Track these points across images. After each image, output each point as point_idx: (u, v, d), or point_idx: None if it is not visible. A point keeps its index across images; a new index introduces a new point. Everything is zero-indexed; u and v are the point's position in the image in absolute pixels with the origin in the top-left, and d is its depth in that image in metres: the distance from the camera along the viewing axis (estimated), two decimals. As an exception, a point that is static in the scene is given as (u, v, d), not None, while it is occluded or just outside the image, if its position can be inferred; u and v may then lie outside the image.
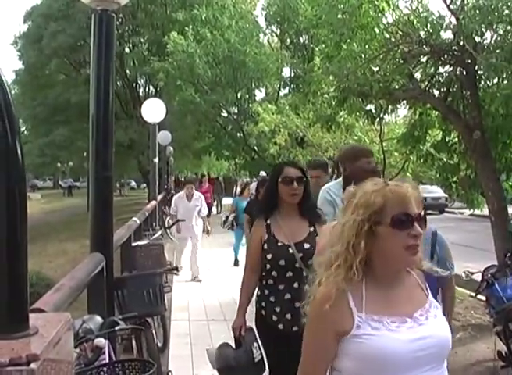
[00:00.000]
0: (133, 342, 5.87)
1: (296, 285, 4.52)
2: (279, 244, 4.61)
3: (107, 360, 3.46)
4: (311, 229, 4.74)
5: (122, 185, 75.65)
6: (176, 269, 6.73)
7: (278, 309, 4.58)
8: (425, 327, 2.44)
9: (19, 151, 1.82)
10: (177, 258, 13.84)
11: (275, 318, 4.59)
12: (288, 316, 4.52)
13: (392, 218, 2.38)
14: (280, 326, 4.55)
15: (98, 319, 3.65)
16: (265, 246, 4.65)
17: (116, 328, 3.55)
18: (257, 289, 4.83)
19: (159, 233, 10.85)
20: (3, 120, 1.76)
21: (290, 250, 4.57)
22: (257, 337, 4.71)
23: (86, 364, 3.16)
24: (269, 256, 4.60)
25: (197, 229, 13.80)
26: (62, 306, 3.16)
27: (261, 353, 4.64)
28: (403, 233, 2.38)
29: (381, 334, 2.35)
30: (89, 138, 4.82)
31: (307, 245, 4.61)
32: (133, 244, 8.24)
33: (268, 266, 4.63)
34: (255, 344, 4.64)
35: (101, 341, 3.27)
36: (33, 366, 1.65)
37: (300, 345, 4.36)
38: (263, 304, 4.69)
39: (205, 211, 14.22)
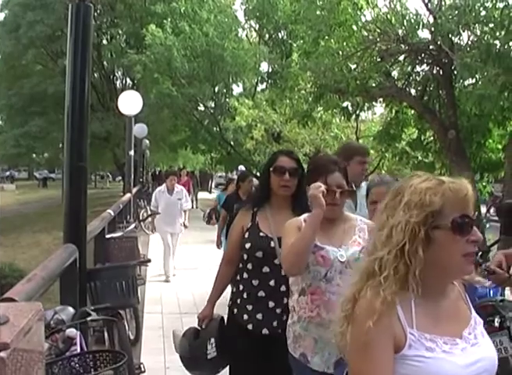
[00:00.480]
0: (105, 334, 5.86)
1: (272, 283, 4.17)
2: (261, 234, 4.25)
3: (78, 351, 3.45)
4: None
5: (102, 177, 75.23)
6: (149, 261, 6.71)
7: (250, 307, 4.23)
8: (477, 349, 2.14)
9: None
10: (165, 253, 12.89)
11: (245, 317, 4.25)
12: (259, 315, 4.19)
13: (453, 221, 2.07)
14: (249, 326, 4.22)
15: (70, 310, 3.65)
16: (246, 234, 4.32)
17: (88, 319, 3.55)
18: (231, 285, 4.52)
19: (133, 225, 10.83)
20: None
21: (272, 244, 4.18)
22: (219, 332, 4.45)
23: (57, 355, 3.15)
24: (247, 245, 4.26)
25: (179, 225, 13.16)
26: (34, 296, 3.15)
27: (216, 351, 4.38)
28: (463, 238, 2.08)
29: (437, 357, 2.04)
30: (64, 128, 4.81)
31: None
32: (107, 236, 8.24)
33: (245, 257, 4.29)
34: (212, 340, 4.41)
35: (73, 332, 3.27)
36: (2, 354, 1.64)
37: (269, 350, 4.09)
38: (238, 301, 4.34)
39: (188, 205, 13.52)
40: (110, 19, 37.10)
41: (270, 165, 4.35)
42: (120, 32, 37.10)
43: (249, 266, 4.27)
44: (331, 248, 3.61)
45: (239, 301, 4.33)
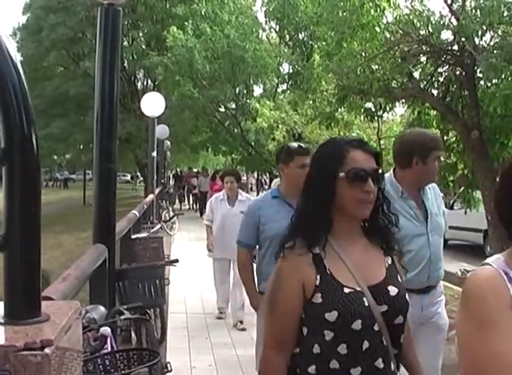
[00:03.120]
0: (132, 333, 5.93)
1: (380, 364, 2.47)
2: (347, 290, 2.46)
3: (109, 349, 3.51)
4: (389, 260, 2.64)
5: (132, 178, 74.96)
6: (177, 261, 6.72)
7: None
8: None
9: (34, 140, 1.86)
10: (217, 292, 9.69)
11: None
12: None
13: None
14: None
15: (101, 309, 3.71)
16: (318, 298, 2.47)
17: (122, 317, 3.61)
18: None
19: (159, 226, 10.89)
20: (19, 110, 1.79)
21: (365, 301, 2.46)
22: None
23: (91, 352, 3.22)
24: (331, 315, 2.43)
25: None
26: (69, 295, 3.21)
27: None
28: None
29: None
30: (93, 131, 4.86)
31: (393, 290, 2.54)
32: (133, 236, 8.31)
33: (331, 336, 2.46)
34: None
35: (107, 330, 3.34)
36: (47, 350, 1.68)
37: None
38: None
39: None
40: (131, 21, 37.25)
41: (335, 166, 2.52)
42: (141, 34, 37.33)
43: (341, 349, 2.46)
44: None
45: None
